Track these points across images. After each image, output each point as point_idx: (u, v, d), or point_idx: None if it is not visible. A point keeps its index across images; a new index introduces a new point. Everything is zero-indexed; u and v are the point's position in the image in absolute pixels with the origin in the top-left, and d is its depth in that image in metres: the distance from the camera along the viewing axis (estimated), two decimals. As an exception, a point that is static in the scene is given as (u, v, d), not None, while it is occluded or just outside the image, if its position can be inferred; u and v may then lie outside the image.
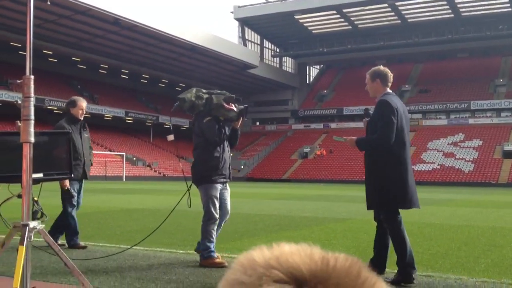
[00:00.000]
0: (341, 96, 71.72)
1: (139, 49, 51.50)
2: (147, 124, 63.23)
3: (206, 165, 5.66)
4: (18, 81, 3.02)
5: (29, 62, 2.94)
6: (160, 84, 66.70)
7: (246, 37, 69.97)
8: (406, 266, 4.87)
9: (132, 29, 45.17)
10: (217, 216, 5.73)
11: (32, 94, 3.00)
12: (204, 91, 5.86)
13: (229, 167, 5.89)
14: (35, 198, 3.77)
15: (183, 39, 48.73)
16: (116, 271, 5.32)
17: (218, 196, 5.75)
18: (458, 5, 58.84)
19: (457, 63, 70.91)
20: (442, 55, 71.32)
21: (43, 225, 3.09)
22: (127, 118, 60.49)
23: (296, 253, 0.64)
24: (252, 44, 71.16)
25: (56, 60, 52.76)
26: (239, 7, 67.43)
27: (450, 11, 60.36)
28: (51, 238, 3.08)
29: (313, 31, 68.92)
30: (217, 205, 5.73)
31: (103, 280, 4.83)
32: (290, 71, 77.83)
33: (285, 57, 76.82)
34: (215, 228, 5.74)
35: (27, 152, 2.91)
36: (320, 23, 66.67)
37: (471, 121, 62.10)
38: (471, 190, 34.01)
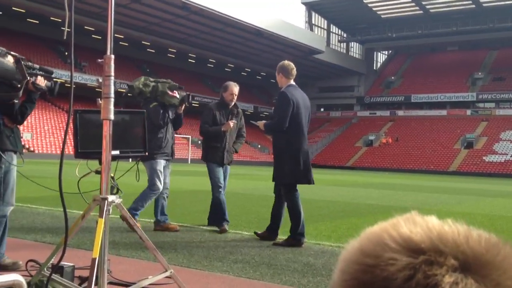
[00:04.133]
0: (409, 83, 69.85)
1: (206, 34, 52.06)
2: (212, 108, 64.02)
3: (151, 144, 5.96)
4: (99, 60, 3.12)
5: (110, 42, 3.04)
6: (226, 69, 67.32)
7: (313, 22, 69.26)
8: (298, 234, 5.85)
9: (199, 14, 45.69)
10: (161, 187, 6.47)
11: (112, 73, 3.10)
12: (151, 79, 6.53)
13: (172, 147, 6.67)
14: (111, 175, 3.90)
15: (249, 23, 48.85)
16: (184, 249, 5.46)
17: (162, 170, 6.49)
18: (539, -11, 55.71)
19: (535, 50, 67.39)
20: (519, 41, 68.00)
21: (121, 200, 3.21)
22: (193, 101, 61.36)
23: (455, 231, 0.51)
24: (319, 29, 70.38)
25: (127, 44, 54.24)
26: (306, -9, 66.79)
27: (529, -5, 57.28)
28: (128, 213, 3.20)
29: (382, 16, 67.24)
30: (161, 178, 6.47)
31: (172, 257, 4.97)
32: (357, 56, 76.47)
33: (352, 42, 75.51)
34: (152, 199, 6.52)
35: (107, 129, 3.02)
36: (390, 7, 64.94)
37: (548, 111, 59.05)
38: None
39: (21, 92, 4.05)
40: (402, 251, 0.49)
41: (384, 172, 47.19)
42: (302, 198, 6.17)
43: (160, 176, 6.47)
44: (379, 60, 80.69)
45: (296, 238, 5.86)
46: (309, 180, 6.06)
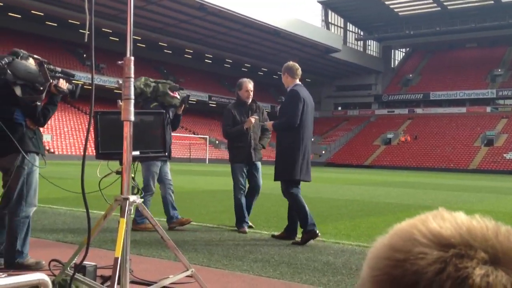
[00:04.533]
0: (427, 81, 69.24)
1: (223, 34, 52.18)
2: (229, 108, 64.16)
3: None
4: (119, 62, 3.15)
5: (129, 44, 3.07)
6: (243, 69, 67.36)
7: (329, 21, 69.02)
8: (308, 226, 5.86)
9: (216, 14, 45.81)
10: (154, 189, 6.72)
11: (132, 75, 3.13)
12: (151, 80, 6.55)
13: (170, 147, 6.71)
14: (132, 175, 3.93)
15: (266, 23, 48.85)
16: (204, 249, 5.49)
17: (157, 171, 6.67)
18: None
19: (556, 45, 66.32)
20: (540, 37, 66.96)
21: (142, 200, 3.24)
22: (210, 102, 61.72)
23: (482, 224, 0.52)
24: (335, 27, 70.10)
25: (144, 46, 54.60)
26: (322, -10, 66.55)
27: (550, -11, 56.40)
28: (148, 211, 3.23)
29: (399, 13, 66.76)
30: (156, 179, 6.69)
31: (192, 256, 5.00)
32: (374, 54, 76.01)
33: (369, 40, 75.07)
34: (149, 201, 6.64)
35: (128, 130, 3.05)
36: (407, 4, 64.40)
37: None
38: None
39: (44, 94, 4.12)
40: (432, 246, 0.49)
41: (403, 171, 46.85)
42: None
43: (155, 178, 6.65)
44: (396, 58, 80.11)
45: (309, 232, 5.88)
46: (309, 177, 6.20)
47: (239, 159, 6.81)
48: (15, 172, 4.25)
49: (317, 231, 5.92)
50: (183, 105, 6.55)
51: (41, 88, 4.13)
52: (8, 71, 3.97)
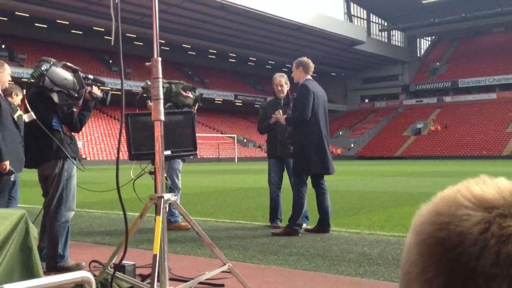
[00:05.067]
0: (455, 68, 68.10)
1: (246, 33, 52.24)
2: (255, 106, 64.29)
3: None
4: (147, 63, 3.20)
5: (156, 45, 3.12)
6: (267, 66, 67.35)
7: (352, 13, 68.45)
8: (295, 225, 6.03)
9: (238, 13, 45.90)
10: (180, 187, 6.60)
11: (160, 75, 3.18)
12: (164, 81, 6.39)
13: None
14: (164, 174, 3.98)
15: (288, 19, 48.73)
16: (239, 244, 5.53)
17: (180, 169, 6.67)
18: None
19: None
20: None
21: (176, 197, 3.29)
22: (236, 101, 61.90)
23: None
24: (358, 19, 69.50)
25: (168, 48, 55.05)
26: (343, -18, 66.06)
27: None
28: (183, 209, 3.28)
29: (423, 1, 65.76)
30: (180, 177, 6.64)
31: (227, 252, 5.04)
32: (399, 44, 75.08)
33: (393, 31, 74.19)
34: (178, 197, 6.34)
35: (159, 130, 3.10)
36: (430, -8, 63.45)
37: None
38: None
39: (81, 101, 4.23)
40: (476, 208, 0.51)
41: (435, 160, 46.22)
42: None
43: (179, 175, 6.62)
44: (422, 47, 78.99)
45: (293, 230, 6.02)
46: (327, 170, 6.14)
47: (270, 154, 6.88)
48: (56, 178, 4.36)
49: (300, 233, 6.07)
50: (197, 104, 6.59)
51: (76, 95, 4.25)
52: (46, 77, 4.10)
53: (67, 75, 4.20)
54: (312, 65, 6.27)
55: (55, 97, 4.22)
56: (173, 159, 6.17)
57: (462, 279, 0.48)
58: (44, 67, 4.14)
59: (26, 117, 4.31)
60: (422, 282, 0.50)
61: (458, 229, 0.50)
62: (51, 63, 4.27)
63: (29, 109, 4.21)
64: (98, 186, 14.25)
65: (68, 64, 4.32)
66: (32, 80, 4.24)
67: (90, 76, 4.41)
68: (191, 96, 6.48)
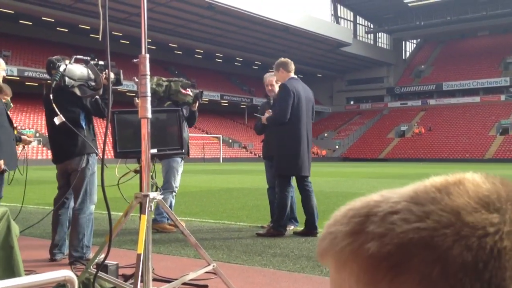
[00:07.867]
0: (440, 71, 68.72)
1: (232, 33, 52.19)
2: (241, 106, 64.23)
3: None
4: (135, 60, 3.17)
5: (144, 42, 3.09)
6: (253, 67, 67.36)
7: (339, 14, 68.70)
8: (280, 226, 5.99)
9: (225, 13, 45.82)
10: (176, 186, 6.47)
11: (148, 72, 3.15)
12: (164, 79, 6.50)
13: (187, 144, 6.48)
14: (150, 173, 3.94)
15: (275, 20, 48.77)
16: (223, 245, 5.50)
17: (178, 168, 6.50)
18: None
19: None
20: (553, 22, 66.05)
21: (161, 196, 3.26)
22: (222, 101, 61.82)
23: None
24: (345, 21, 69.76)
25: (154, 47, 54.80)
26: (330, -16, 66.25)
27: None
28: (169, 208, 3.25)
29: (409, 4, 66.20)
30: (177, 176, 6.47)
31: (211, 253, 5.02)
32: (385, 47, 75.55)
33: (379, 33, 74.61)
34: (171, 198, 6.41)
35: (146, 128, 3.07)
36: (416, -5, 63.90)
37: None
38: None
39: (102, 88, 4.29)
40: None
41: (418, 163, 46.57)
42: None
43: (176, 175, 6.51)
44: (407, 50, 79.56)
45: (278, 231, 5.99)
46: (300, 171, 6.06)
47: (264, 155, 6.83)
48: (81, 173, 4.56)
49: (284, 234, 6.05)
50: (197, 101, 6.53)
51: (94, 84, 4.39)
52: (66, 77, 4.14)
53: (82, 69, 4.32)
54: (291, 63, 6.20)
55: (77, 91, 4.36)
56: (161, 158, 6.12)
57: None
58: (62, 67, 4.21)
59: (56, 120, 4.33)
60: None
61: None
62: (65, 61, 4.35)
63: (58, 111, 4.23)
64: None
65: (79, 56, 4.44)
66: (55, 81, 4.25)
67: (101, 62, 4.48)
68: (191, 93, 6.44)
